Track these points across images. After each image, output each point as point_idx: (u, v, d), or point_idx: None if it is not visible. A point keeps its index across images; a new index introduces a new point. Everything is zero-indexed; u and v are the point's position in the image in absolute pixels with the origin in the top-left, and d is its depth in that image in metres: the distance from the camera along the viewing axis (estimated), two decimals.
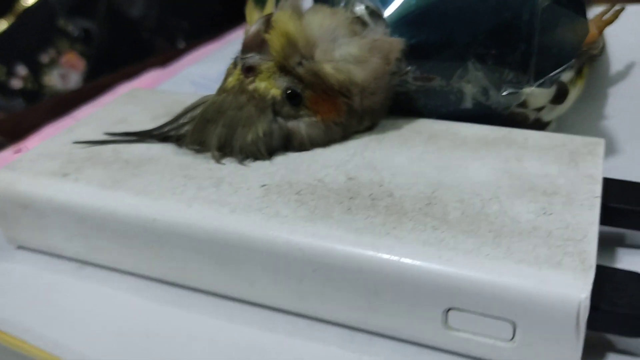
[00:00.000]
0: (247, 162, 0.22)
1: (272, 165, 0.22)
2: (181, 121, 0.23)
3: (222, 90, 0.22)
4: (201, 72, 0.39)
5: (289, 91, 0.21)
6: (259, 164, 0.22)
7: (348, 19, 0.23)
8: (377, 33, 0.23)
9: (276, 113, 0.22)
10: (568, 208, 0.18)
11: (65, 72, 0.60)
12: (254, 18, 0.22)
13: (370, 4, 0.23)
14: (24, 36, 0.58)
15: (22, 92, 0.58)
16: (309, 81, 0.21)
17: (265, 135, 0.21)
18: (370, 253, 0.17)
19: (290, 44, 0.21)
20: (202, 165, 0.22)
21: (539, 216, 0.18)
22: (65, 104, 0.41)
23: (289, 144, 0.22)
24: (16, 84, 0.58)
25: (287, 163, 0.22)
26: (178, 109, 0.27)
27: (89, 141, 0.24)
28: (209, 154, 0.22)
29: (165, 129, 0.23)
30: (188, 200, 0.20)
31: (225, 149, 0.22)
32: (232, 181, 0.21)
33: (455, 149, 0.22)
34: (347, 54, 0.21)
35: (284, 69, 0.21)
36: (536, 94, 0.23)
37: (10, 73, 0.58)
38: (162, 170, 0.22)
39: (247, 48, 0.21)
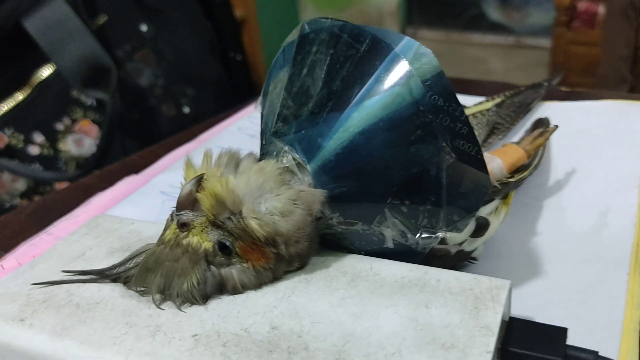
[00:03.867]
0: (184, 307, 0.24)
1: (206, 310, 0.24)
2: (127, 265, 0.25)
3: (160, 241, 0.24)
4: (170, 181, 0.41)
5: (220, 244, 0.24)
6: (195, 309, 0.24)
7: (278, 170, 0.25)
8: (303, 183, 0.25)
9: (209, 263, 0.24)
10: None
11: (80, 138, 0.65)
12: (189, 175, 0.24)
13: (297, 156, 0.25)
14: (40, 106, 0.63)
15: (39, 158, 0.62)
16: (238, 234, 0.24)
17: (200, 284, 0.24)
18: None
19: (219, 202, 0.23)
20: (144, 311, 0.24)
21: None
22: (43, 210, 0.44)
23: (224, 288, 0.24)
24: (33, 150, 0.62)
25: (220, 308, 0.24)
26: (132, 240, 0.29)
27: (46, 282, 0.26)
28: (151, 297, 0.24)
29: (114, 271, 0.26)
30: (125, 351, 0.22)
31: (165, 294, 0.24)
32: (167, 330, 0.23)
33: (373, 294, 0.23)
34: (272, 207, 0.24)
35: (215, 223, 0.24)
36: (450, 236, 0.25)
37: (28, 140, 0.62)
38: (108, 316, 0.24)
39: (180, 206, 0.24)
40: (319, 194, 0.24)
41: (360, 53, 0.25)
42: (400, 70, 0.24)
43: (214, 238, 0.24)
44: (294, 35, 0.28)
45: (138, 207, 0.38)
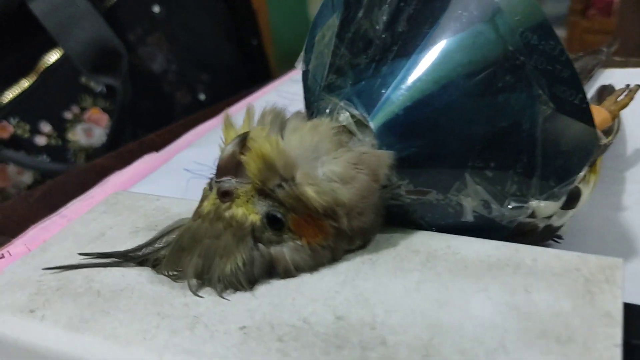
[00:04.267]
0: (226, 293, 0.20)
1: (254, 298, 0.20)
2: (157, 245, 0.21)
3: (197, 215, 0.20)
4: (195, 157, 0.37)
5: (269, 216, 0.19)
6: (240, 296, 0.20)
7: (333, 130, 0.21)
8: (365, 144, 0.21)
9: (257, 240, 0.20)
10: None
11: (89, 127, 0.61)
12: (230, 136, 0.20)
13: (356, 112, 0.21)
14: (47, 94, 0.59)
15: (46, 149, 0.59)
16: (291, 205, 0.19)
17: (246, 266, 0.20)
18: None
19: (268, 166, 0.19)
20: (178, 299, 0.20)
21: None
22: (54, 193, 0.40)
23: (273, 270, 0.20)
24: (40, 140, 0.58)
25: (270, 295, 0.20)
26: (160, 218, 0.25)
27: (61, 267, 0.22)
28: (186, 282, 0.20)
29: (141, 252, 0.22)
30: (159, 348, 0.18)
31: (203, 279, 0.20)
32: (208, 321, 0.19)
33: (456, 276, 0.19)
34: (330, 173, 0.20)
35: (262, 192, 0.20)
36: (545, 205, 0.21)
37: (34, 130, 0.58)
38: (135, 306, 0.20)
39: (222, 171, 0.20)
40: (385, 156, 0.20)
41: None
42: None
43: (261, 209, 0.20)
44: None
45: (160, 186, 0.35)
